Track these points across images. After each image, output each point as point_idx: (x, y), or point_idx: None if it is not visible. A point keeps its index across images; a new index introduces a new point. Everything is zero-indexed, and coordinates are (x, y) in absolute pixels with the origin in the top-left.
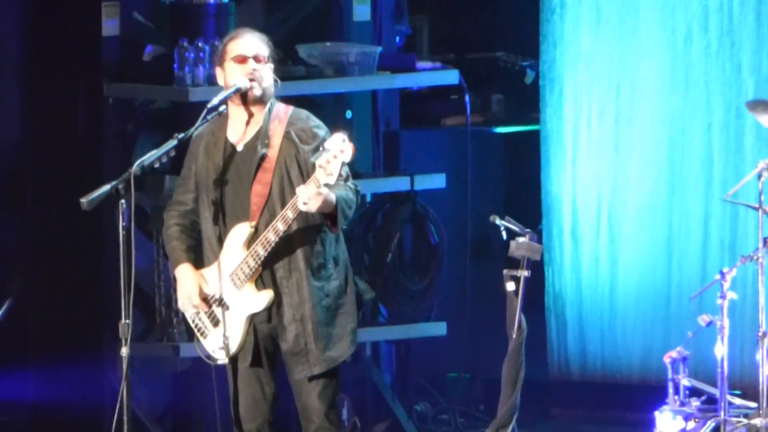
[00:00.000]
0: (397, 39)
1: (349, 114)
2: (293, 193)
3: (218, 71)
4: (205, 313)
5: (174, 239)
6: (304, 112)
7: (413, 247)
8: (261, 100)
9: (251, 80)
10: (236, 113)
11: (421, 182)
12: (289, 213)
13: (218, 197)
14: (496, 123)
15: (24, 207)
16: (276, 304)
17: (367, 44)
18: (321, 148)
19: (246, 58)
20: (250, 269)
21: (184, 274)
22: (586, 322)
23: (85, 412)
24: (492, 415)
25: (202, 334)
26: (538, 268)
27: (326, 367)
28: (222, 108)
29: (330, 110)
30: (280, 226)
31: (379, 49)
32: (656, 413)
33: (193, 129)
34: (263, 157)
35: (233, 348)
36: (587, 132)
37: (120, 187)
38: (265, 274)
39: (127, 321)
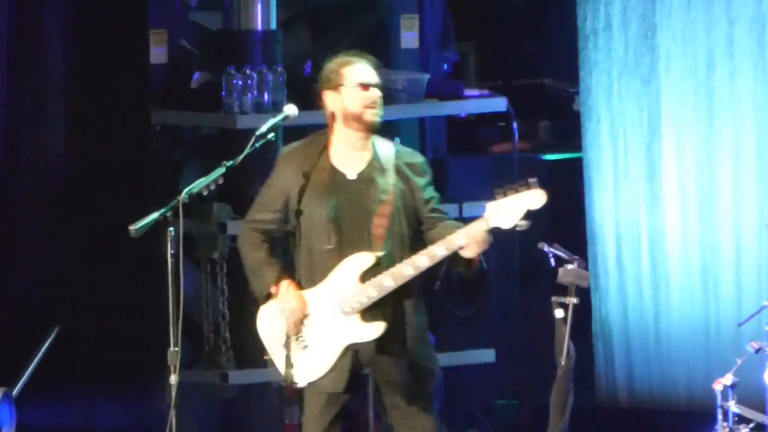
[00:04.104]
0: (445, 66)
1: (397, 141)
2: (408, 226)
3: (328, 95)
4: (295, 336)
5: (262, 252)
6: (404, 147)
7: (461, 274)
8: (377, 129)
9: (369, 107)
10: (345, 140)
11: (469, 209)
12: (440, 251)
13: (335, 224)
14: (543, 150)
15: (71, 234)
16: (382, 335)
17: (414, 71)
18: (501, 194)
19: (369, 86)
20: (369, 300)
21: (290, 290)
22: (633, 348)
23: None
24: None
25: (287, 356)
26: (585, 294)
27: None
28: (270, 135)
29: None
30: (423, 262)
31: (427, 76)
32: None
33: (241, 156)
34: (384, 189)
35: (318, 374)
36: (624, 159)
37: (168, 214)
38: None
39: (176, 349)
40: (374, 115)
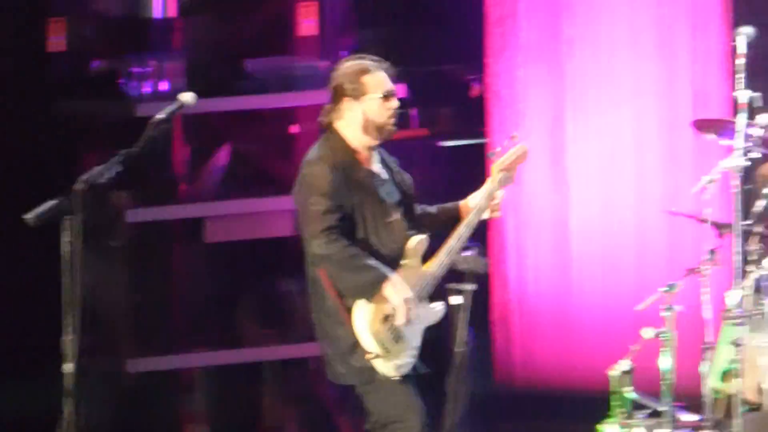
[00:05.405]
0: (344, 53)
1: (295, 128)
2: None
3: (347, 103)
4: (387, 329)
5: (362, 254)
6: None
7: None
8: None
9: (391, 117)
10: (365, 144)
11: None
12: (474, 218)
13: (399, 218)
14: (442, 136)
15: None
16: None
17: (313, 58)
18: (496, 155)
19: (393, 96)
20: (436, 280)
21: (399, 284)
22: (532, 333)
23: (30, 429)
24: (438, 427)
25: (387, 353)
26: (484, 281)
27: None
28: (166, 125)
29: (277, 125)
30: (465, 232)
31: (326, 63)
32: (601, 426)
33: (140, 143)
34: (410, 184)
35: (412, 363)
36: (528, 146)
37: (65, 202)
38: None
39: (71, 337)
40: (394, 125)
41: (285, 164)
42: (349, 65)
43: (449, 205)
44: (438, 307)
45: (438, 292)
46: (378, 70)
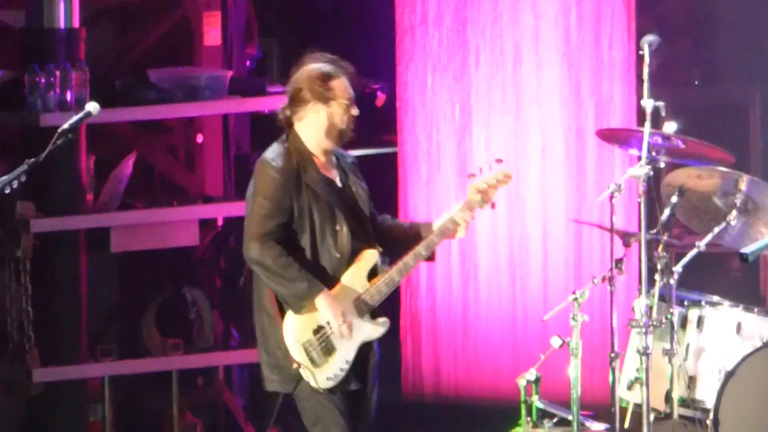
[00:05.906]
0: (248, 63)
1: (200, 138)
2: (373, 222)
3: (313, 105)
4: (318, 341)
5: (296, 265)
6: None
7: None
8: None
9: (351, 122)
10: (322, 148)
11: None
12: (436, 238)
13: (344, 233)
14: (346, 146)
15: None
16: None
17: (217, 68)
18: (474, 176)
19: (354, 103)
20: (382, 297)
21: (332, 297)
22: (441, 343)
23: None
24: None
25: (314, 364)
26: (396, 289)
27: None
28: (71, 135)
29: (181, 134)
30: (423, 251)
31: (230, 73)
32: None
33: (44, 154)
34: (364, 192)
35: (342, 376)
36: (437, 154)
37: None
38: None
39: None
40: (352, 131)
41: (189, 174)
42: (314, 68)
43: (422, 222)
44: (381, 323)
45: None
46: (342, 75)
